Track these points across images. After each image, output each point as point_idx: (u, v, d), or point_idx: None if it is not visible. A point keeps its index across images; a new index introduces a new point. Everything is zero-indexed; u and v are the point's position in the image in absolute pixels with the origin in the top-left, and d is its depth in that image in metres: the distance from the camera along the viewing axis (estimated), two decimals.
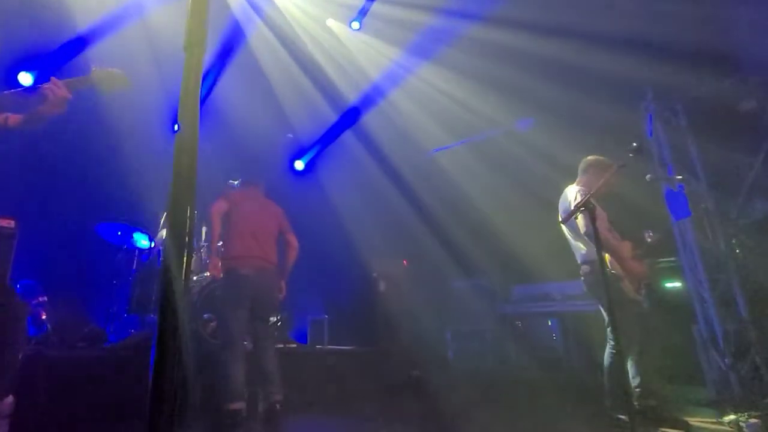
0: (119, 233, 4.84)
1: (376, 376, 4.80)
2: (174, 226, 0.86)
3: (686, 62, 4.28)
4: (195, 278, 4.90)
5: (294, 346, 5.28)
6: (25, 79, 5.03)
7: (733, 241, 3.89)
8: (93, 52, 5.04)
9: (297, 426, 3.60)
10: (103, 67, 2.32)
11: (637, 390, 3.22)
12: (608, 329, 3.39)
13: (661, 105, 4.64)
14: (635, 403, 3.16)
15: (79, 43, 5.05)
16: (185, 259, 0.84)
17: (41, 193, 4.89)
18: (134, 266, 4.93)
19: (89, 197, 5.17)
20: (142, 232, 4.95)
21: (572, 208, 3.40)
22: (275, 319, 5.36)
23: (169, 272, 0.82)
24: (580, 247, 3.57)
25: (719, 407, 3.68)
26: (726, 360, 3.88)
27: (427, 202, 6.46)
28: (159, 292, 0.83)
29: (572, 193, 3.56)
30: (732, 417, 3.30)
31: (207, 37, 0.99)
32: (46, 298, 4.74)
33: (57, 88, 2.21)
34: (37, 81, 5.07)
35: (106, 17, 5.04)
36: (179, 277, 0.83)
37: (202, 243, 5.15)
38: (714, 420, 3.44)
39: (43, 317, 4.63)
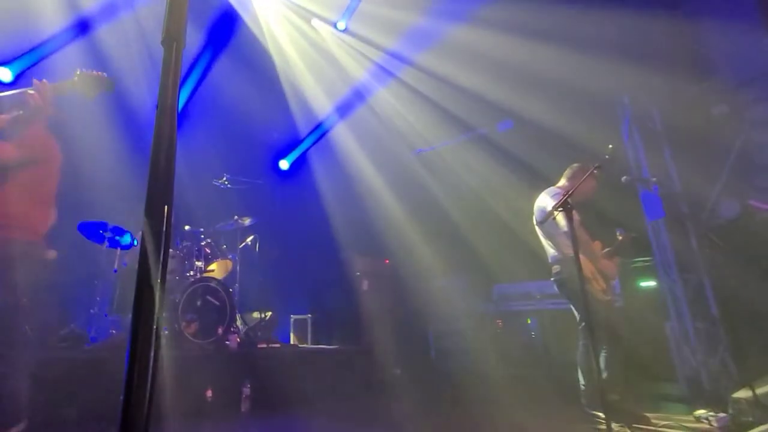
0: (101, 232, 4.79)
1: (359, 375, 4.83)
2: (150, 226, 0.83)
3: (662, 68, 4.41)
4: (177, 278, 4.89)
5: (277, 345, 5.29)
6: (4, 74, 4.94)
7: (704, 242, 4.02)
8: (74, 48, 4.99)
9: (280, 424, 3.62)
10: (88, 70, 2.29)
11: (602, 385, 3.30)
12: (579, 327, 3.49)
13: (637, 109, 4.77)
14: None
15: (63, 38, 4.99)
16: (162, 258, 0.83)
17: None
18: (115, 266, 4.89)
19: (69, 196, 5.09)
20: (124, 230, 4.91)
21: (548, 209, 3.51)
22: (260, 318, 5.38)
23: (144, 273, 0.80)
24: (550, 248, 3.68)
25: (691, 402, 3.80)
26: (697, 356, 4.02)
27: (409, 202, 6.52)
28: (135, 293, 0.80)
29: (547, 196, 3.66)
30: (702, 411, 3.41)
31: (185, 32, 0.96)
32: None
33: (40, 94, 2.16)
34: (18, 77, 4.99)
35: (88, 12, 4.99)
36: (155, 277, 0.81)
37: (185, 243, 5.14)
38: (685, 415, 3.55)
39: None
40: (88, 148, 5.14)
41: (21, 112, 2.19)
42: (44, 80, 2.22)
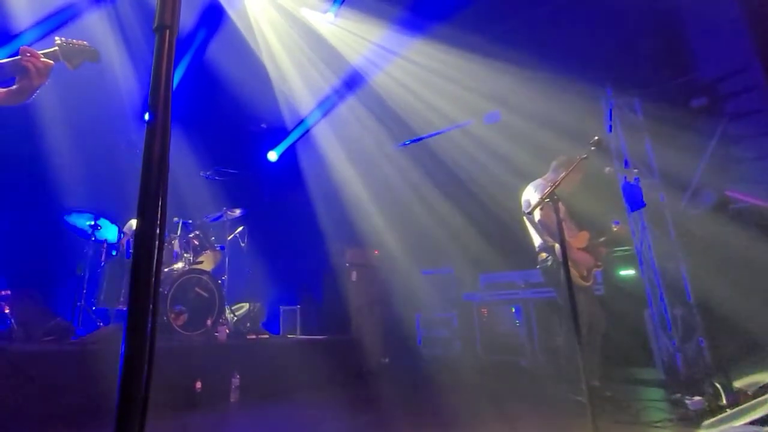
0: (87, 224, 4.75)
1: (348, 364, 4.89)
2: (145, 218, 0.82)
3: (643, 61, 4.50)
4: (166, 270, 4.87)
5: (267, 336, 5.31)
6: None
7: (682, 231, 4.15)
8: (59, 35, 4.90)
9: (270, 414, 3.66)
10: (68, 39, 2.18)
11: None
12: (563, 314, 3.59)
13: (620, 102, 4.86)
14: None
15: (45, 26, 4.90)
16: (156, 251, 0.81)
17: (4, 183, 4.74)
18: (102, 258, 4.86)
19: (55, 187, 5.05)
20: (111, 222, 4.88)
21: (534, 201, 3.59)
22: (250, 309, 5.41)
23: (139, 265, 0.79)
24: (537, 237, 3.78)
25: (667, 387, 3.94)
26: (674, 342, 4.16)
27: (398, 193, 6.57)
28: (129, 285, 0.79)
29: (534, 188, 3.76)
30: (678, 395, 3.53)
31: (179, 19, 0.94)
32: (9, 292, 4.62)
33: (35, 58, 2.00)
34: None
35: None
36: (150, 269, 0.80)
37: (174, 235, 5.12)
38: (662, 399, 3.67)
39: (6, 311, 4.52)
40: (72, 137, 5.09)
41: (23, 81, 2.01)
42: (32, 48, 2.03)
